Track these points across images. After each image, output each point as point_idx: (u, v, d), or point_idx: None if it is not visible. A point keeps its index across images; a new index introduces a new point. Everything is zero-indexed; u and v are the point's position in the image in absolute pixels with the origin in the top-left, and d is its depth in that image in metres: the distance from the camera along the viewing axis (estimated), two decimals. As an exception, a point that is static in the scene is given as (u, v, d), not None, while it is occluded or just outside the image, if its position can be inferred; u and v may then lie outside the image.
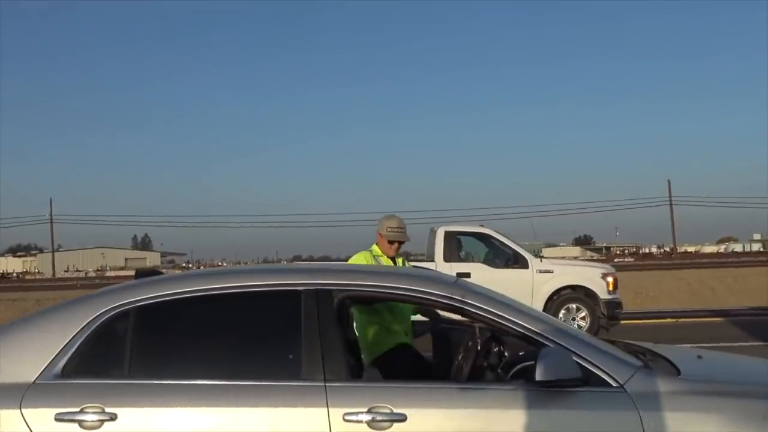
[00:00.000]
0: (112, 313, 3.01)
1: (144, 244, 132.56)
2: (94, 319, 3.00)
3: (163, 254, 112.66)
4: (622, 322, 12.96)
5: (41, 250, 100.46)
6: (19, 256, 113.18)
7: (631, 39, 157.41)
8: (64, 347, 2.93)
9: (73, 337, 2.96)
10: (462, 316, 3.18)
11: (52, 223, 69.76)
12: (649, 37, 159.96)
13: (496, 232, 12.53)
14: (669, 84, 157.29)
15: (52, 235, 70.08)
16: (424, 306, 3.11)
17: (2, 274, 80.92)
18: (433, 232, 12.54)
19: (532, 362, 2.82)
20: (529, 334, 3.00)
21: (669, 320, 14.55)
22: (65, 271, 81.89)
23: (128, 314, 3.02)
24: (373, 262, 4.62)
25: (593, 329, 11.81)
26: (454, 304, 3.07)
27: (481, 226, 12.90)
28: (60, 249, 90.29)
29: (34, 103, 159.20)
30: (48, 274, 69.42)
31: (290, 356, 2.93)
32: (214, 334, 3.09)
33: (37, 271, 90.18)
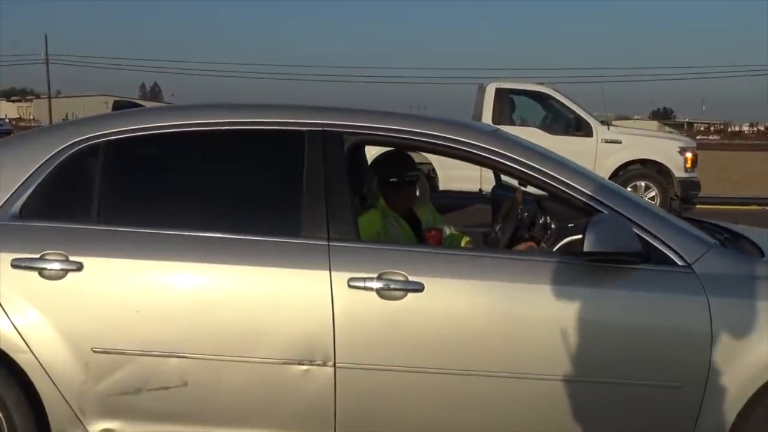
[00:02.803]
0: (78, 147, 2.90)
1: (153, 94, 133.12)
2: (57, 153, 2.89)
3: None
4: (698, 206, 12.72)
5: (38, 96, 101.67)
6: (14, 101, 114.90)
7: None
8: (22, 184, 2.85)
9: (34, 172, 2.87)
10: (500, 172, 3.02)
11: (48, 63, 70.12)
12: None
13: (558, 92, 12.14)
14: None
15: (48, 77, 70.57)
16: (454, 157, 2.94)
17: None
18: (482, 90, 12.21)
19: (581, 236, 2.65)
20: (580, 197, 2.81)
21: (754, 207, 14.25)
22: (63, 119, 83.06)
23: (97, 149, 2.90)
24: (385, 227, 3.37)
25: (663, 212, 11.63)
26: (488, 156, 2.89)
27: (540, 84, 12.51)
28: (59, 95, 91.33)
29: None
30: (44, 122, 70.66)
31: (288, 209, 2.83)
32: (199, 178, 2.98)
33: (32, 117, 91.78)
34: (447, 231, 3.81)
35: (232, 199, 2.92)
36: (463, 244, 3.79)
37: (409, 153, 3.79)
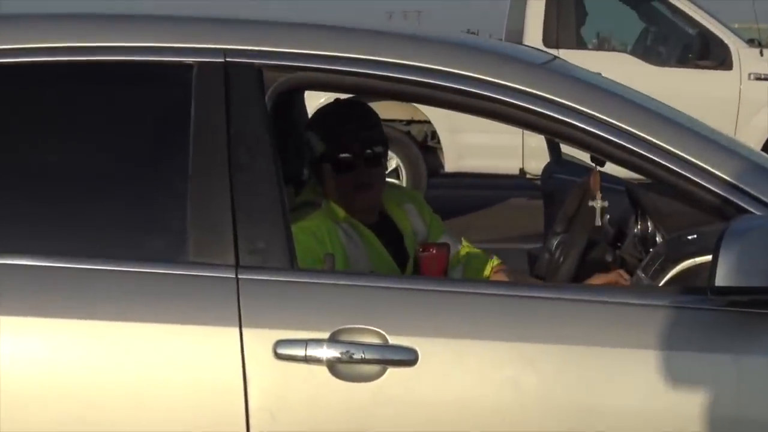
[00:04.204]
0: None
1: None
2: None
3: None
4: None
5: None
6: None
7: None
8: None
9: None
10: (558, 138, 3.14)
11: None
12: None
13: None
14: None
15: None
16: (471, 112, 2.98)
17: None
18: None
19: (712, 258, 2.65)
20: (708, 185, 2.84)
21: None
22: None
23: None
24: (341, 244, 3.53)
25: None
26: (536, 109, 2.92)
27: None
28: None
29: None
30: None
31: (160, 211, 2.90)
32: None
33: None
34: (459, 248, 3.85)
35: (51, 194, 2.95)
36: (488, 272, 3.83)
37: (371, 103, 3.82)
